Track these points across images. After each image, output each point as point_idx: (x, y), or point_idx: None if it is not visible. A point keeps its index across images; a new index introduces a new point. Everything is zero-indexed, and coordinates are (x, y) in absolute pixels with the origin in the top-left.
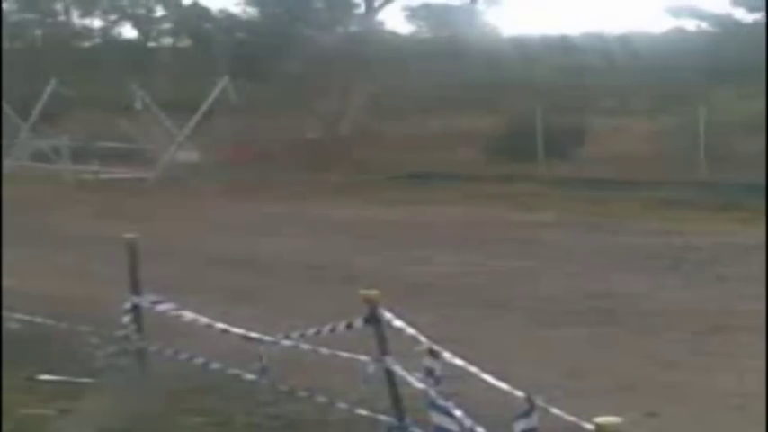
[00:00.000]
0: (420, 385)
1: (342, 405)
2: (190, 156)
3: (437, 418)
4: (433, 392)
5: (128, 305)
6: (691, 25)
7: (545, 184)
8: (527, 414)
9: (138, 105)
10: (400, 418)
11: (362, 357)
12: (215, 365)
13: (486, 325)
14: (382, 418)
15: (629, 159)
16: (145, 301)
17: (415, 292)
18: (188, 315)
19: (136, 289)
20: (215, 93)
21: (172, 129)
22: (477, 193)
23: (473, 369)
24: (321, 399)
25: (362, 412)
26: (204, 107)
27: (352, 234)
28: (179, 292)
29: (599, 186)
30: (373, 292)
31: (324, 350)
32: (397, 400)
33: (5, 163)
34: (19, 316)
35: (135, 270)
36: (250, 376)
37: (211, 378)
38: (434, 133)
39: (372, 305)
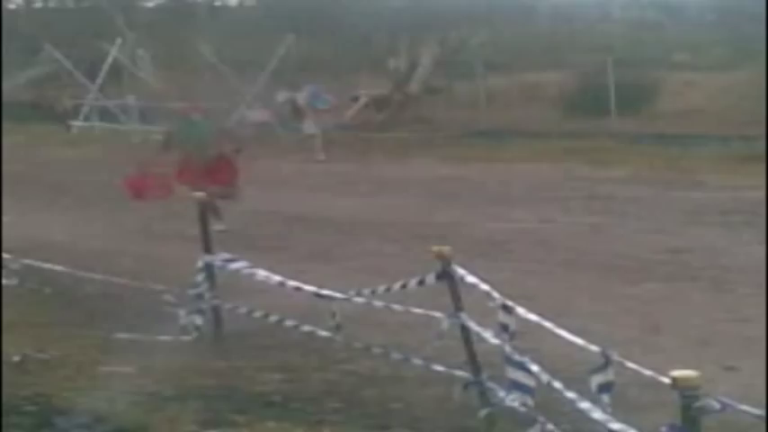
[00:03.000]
0: (495, 341)
1: (417, 361)
2: (259, 115)
3: (513, 374)
4: (508, 348)
5: (200, 264)
6: None
7: (618, 140)
8: (603, 368)
9: (205, 64)
10: (476, 374)
11: (436, 314)
12: (289, 323)
13: (562, 281)
14: (458, 373)
15: (702, 114)
16: (217, 259)
17: (490, 248)
18: (261, 273)
19: (208, 248)
20: (280, 51)
21: (239, 88)
22: (550, 149)
23: (548, 324)
24: (396, 355)
25: (438, 368)
26: (271, 66)
27: (424, 192)
28: (251, 251)
29: (672, 141)
30: (445, 248)
31: (397, 307)
32: (472, 355)
33: (74, 123)
34: (93, 275)
35: (206, 229)
36: (324, 333)
37: (286, 335)
38: (506, 90)
39: (445, 261)
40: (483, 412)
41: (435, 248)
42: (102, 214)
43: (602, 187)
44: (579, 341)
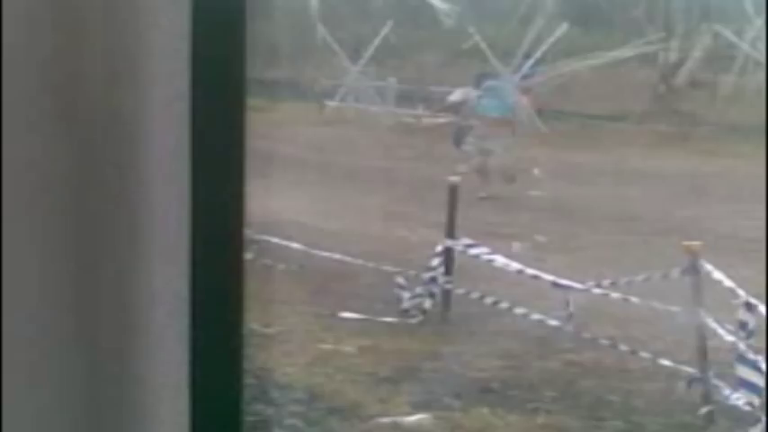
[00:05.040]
0: (730, 338)
1: (644, 354)
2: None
3: (743, 372)
4: (742, 345)
5: (440, 247)
6: None
7: None
8: None
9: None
10: (703, 371)
11: (673, 308)
12: (519, 310)
13: None
14: (685, 369)
15: None
16: (459, 244)
17: (735, 245)
18: (500, 260)
19: (451, 232)
20: (550, 40)
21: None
22: None
23: None
24: (623, 347)
25: (665, 362)
26: (538, 54)
27: (674, 185)
28: (492, 238)
29: None
30: (695, 243)
31: (633, 299)
32: (703, 352)
33: (328, 103)
34: (327, 254)
35: (453, 213)
36: (553, 323)
37: (514, 323)
38: None
39: (693, 256)
40: (704, 410)
41: (686, 243)
42: (345, 195)
43: None
44: None
